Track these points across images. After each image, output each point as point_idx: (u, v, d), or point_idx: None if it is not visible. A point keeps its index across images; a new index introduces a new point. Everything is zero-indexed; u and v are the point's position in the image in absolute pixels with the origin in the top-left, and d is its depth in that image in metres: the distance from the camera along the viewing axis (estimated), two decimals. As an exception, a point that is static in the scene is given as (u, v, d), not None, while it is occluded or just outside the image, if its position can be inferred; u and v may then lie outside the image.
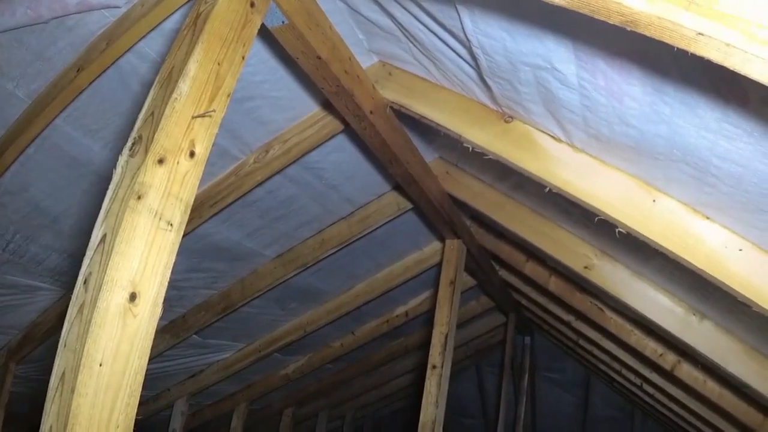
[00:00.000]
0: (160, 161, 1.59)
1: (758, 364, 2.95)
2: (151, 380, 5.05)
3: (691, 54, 1.12)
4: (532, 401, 9.37)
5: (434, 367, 3.75)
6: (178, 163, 1.62)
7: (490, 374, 9.49)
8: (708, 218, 2.00)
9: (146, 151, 1.58)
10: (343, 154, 3.25)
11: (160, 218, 1.57)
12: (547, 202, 3.01)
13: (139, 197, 1.54)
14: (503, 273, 5.23)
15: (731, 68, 1.08)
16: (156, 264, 1.56)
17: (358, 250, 4.15)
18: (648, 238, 2.07)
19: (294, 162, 3.07)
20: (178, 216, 1.61)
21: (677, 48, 1.12)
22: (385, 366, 7.30)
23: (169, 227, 1.59)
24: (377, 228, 3.85)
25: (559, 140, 2.22)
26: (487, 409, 9.73)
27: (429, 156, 3.48)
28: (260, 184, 3.14)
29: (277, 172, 3.11)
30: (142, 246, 1.52)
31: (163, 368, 4.96)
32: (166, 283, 1.59)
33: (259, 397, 6.25)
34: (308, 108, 2.87)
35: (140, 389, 1.49)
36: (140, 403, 4.55)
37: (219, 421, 6.29)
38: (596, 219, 2.17)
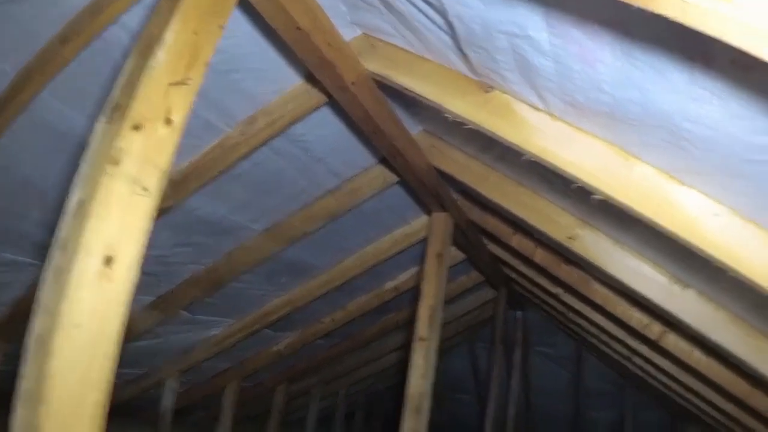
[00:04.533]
0: (137, 128, 1.61)
1: (743, 332, 2.98)
2: (140, 358, 5.09)
3: (653, 13, 1.13)
4: (525, 376, 9.42)
5: (421, 339, 3.78)
6: (154, 129, 1.64)
7: (483, 350, 9.55)
8: (684, 184, 2.02)
9: (123, 117, 1.60)
10: (328, 127, 3.26)
11: (136, 184, 1.58)
12: (530, 173, 3.02)
13: (115, 163, 1.55)
14: (492, 247, 5.25)
15: (690, 26, 1.10)
16: (132, 229, 1.58)
17: (346, 225, 4.17)
18: (625, 205, 2.10)
19: (279, 134, 3.09)
20: (155, 182, 1.63)
21: (637, 6, 1.13)
22: (377, 341, 7.33)
23: (146, 193, 1.60)
24: (364, 202, 3.86)
25: (537, 109, 2.23)
26: (480, 384, 9.80)
27: (414, 129, 3.49)
28: (246, 156, 3.15)
29: (263, 145, 3.12)
30: (118, 211, 1.54)
31: (153, 345, 4.97)
32: (143, 249, 1.61)
33: (251, 374, 6.26)
34: (292, 80, 2.88)
35: (117, 352, 1.51)
36: (130, 381, 4.61)
37: (211, 399, 6.32)
38: (573, 186, 2.19)
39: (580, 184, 2.16)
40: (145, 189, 1.60)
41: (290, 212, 3.90)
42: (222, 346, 5.28)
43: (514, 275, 6.01)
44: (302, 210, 3.88)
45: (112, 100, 1.66)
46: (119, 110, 1.62)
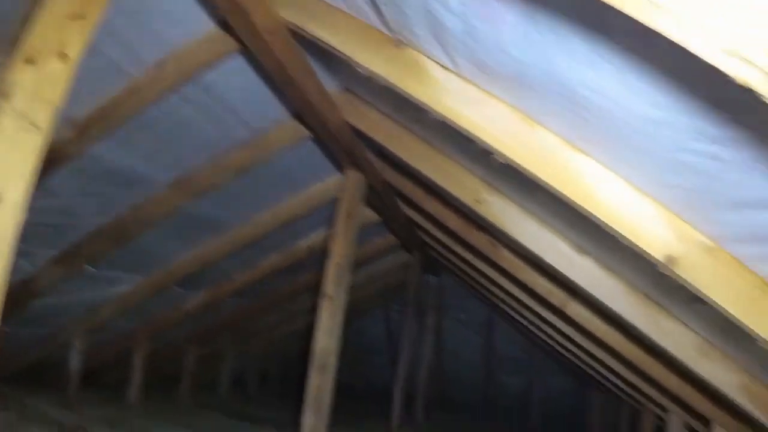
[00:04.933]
0: (29, 61, 1.55)
1: (639, 301, 3.07)
2: (44, 317, 4.95)
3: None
4: (438, 341, 9.56)
5: (328, 297, 3.78)
6: (47, 64, 1.58)
7: (399, 314, 9.64)
8: (582, 152, 2.05)
9: (15, 49, 1.54)
10: (241, 77, 3.20)
11: (25, 119, 1.53)
12: (442, 135, 3.03)
13: (5, 97, 1.50)
14: (407, 210, 5.27)
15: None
16: (21, 166, 1.53)
17: (258, 180, 4.13)
18: (525, 170, 2.12)
19: (190, 81, 3.02)
20: (45, 118, 1.58)
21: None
22: (292, 302, 7.30)
23: (35, 129, 1.55)
24: (277, 156, 3.83)
25: (446, 68, 2.23)
26: (394, 348, 9.90)
27: (332, 85, 3.46)
28: (154, 103, 3.08)
29: (172, 92, 3.06)
30: (5, 147, 1.49)
31: (57, 303, 4.83)
32: (32, 187, 1.56)
33: (161, 334, 6.16)
34: (205, 26, 2.81)
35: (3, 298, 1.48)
36: (35, 342, 4.47)
37: (120, 360, 6.20)
38: (478, 148, 2.21)
39: (484, 146, 2.18)
40: (34, 125, 1.55)
41: (200, 164, 3.82)
42: (129, 304, 5.17)
43: (428, 240, 6.06)
44: (212, 162, 3.81)
45: (6, 33, 1.60)
46: (12, 42, 1.56)
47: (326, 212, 4.73)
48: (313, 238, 5.43)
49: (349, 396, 8.70)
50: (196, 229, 4.64)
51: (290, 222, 4.76)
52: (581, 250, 3.05)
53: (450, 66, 2.21)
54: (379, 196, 4.54)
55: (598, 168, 2.03)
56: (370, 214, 5.14)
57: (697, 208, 1.93)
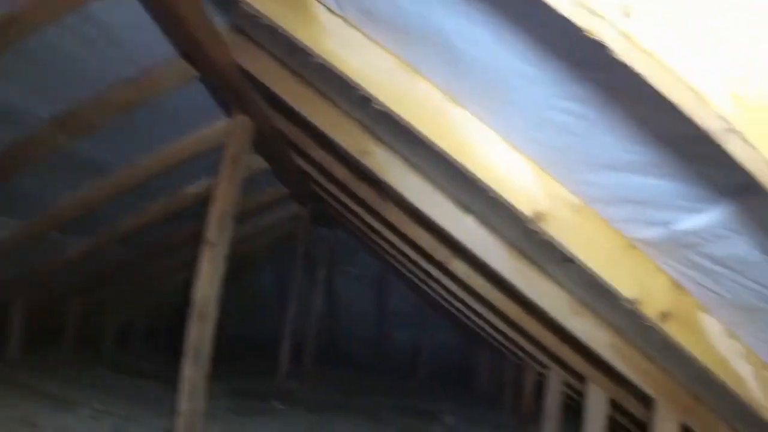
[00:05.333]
0: None
1: (516, 259, 3.13)
2: None
3: None
4: (330, 295, 9.59)
5: (210, 244, 3.71)
6: None
7: (291, 267, 9.62)
8: (459, 105, 2.04)
9: None
10: (128, 10, 3.04)
11: None
12: (331, 83, 2.98)
13: None
14: (298, 160, 5.21)
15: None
16: None
17: (144, 120, 3.97)
18: (405, 120, 2.10)
19: (73, 11, 2.87)
20: None
21: None
22: (180, 252, 7.11)
23: None
24: (165, 97, 3.70)
25: (332, 12, 2.18)
26: (285, 301, 9.88)
27: (222, 24, 3.34)
28: (35, 32, 2.92)
29: (55, 21, 2.90)
30: None
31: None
32: None
33: (41, 284, 5.89)
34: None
35: None
36: None
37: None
38: (358, 94, 2.18)
39: (364, 94, 2.15)
40: None
41: (83, 100, 3.65)
42: (5, 252, 4.92)
43: (319, 191, 6.02)
44: (96, 98, 3.65)
45: None
46: None
47: (216, 158, 4.62)
48: (202, 184, 5.29)
49: (241, 349, 8.68)
50: (78, 170, 4.43)
51: (177, 166, 4.62)
52: (464, 207, 3.07)
53: (336, 10, 2.17)
54: (268, 144, 4.46)
55: (474, 121, 2.03)
56: (259, 162, 5.05)
57: (565, 167, 1.96)
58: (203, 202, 5.00)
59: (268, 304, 9.96)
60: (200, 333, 3.65)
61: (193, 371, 3.58)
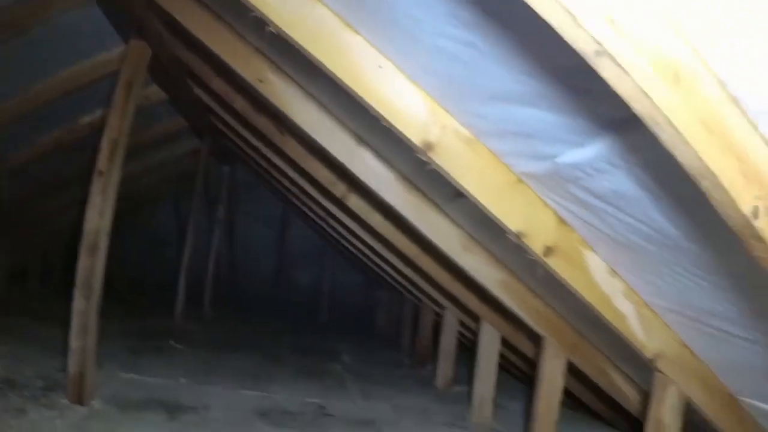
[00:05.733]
0: None
1: (410, 195, 3.13)
2: None
3: None
4: (230, 233, 9.49)
5: (100, 173, 3.57)
6: None
7: (190, 204, 9.45)
8: (357, 33, 2.01)
9: None
10: None
11: None
12: (228, 5, 2.88)
13: None
14: (197, 91, 5.07)
15: None
16: None
17: (37, 44, 3.77)
18: (301, 46, 2.05)
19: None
20: None
21: None
22: (77, 187, 6.81)
23: None
24: (59, 18, 3.52)
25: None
26: (185, 240, 9.73)
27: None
28: None
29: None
30: None
31: None
32: None
33: None
34: None
35: None
36: None
37: None
38: (251, 15, 2.11)
39: (257, 14, 2.08)
40: None
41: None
42: None
43: (219, 125, 5.89)
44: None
45: None
46: None
47: (112, 87, 4.45)
48: (98, 114, 5.09)
49: (140, 289, 8.53)
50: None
51: (71, 95, 4.42)
52: (360, 140, 3.05)
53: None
54: (167, 73, 4.32)
55: (368, 49, 2.00)
56: (157, 93, 4.90)
57: (456, 98, 1.95)
58: (99, 134, 4.82)
59: (167, 244, 9.77)
60: (91, 266, 3.51)
61: (84, 306, 3.46)
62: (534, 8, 1.05)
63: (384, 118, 2.02)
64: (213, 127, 6.10)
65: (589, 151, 1.73)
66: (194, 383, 4.48)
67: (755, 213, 1.25)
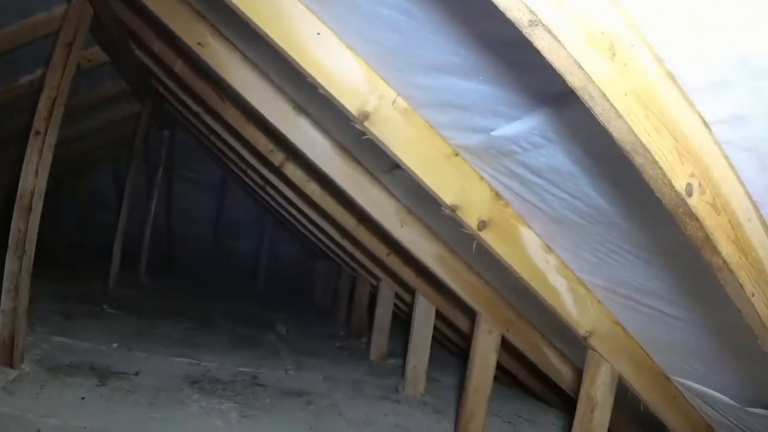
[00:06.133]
0: None
1: (348, 165, 3.11)
2: None
3: None
4: (169, 199, 9.33)
5: (37, 133, 3.46)
6: None
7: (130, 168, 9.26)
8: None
9: None
10: None
11: None
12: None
13: None
14: (139, 53, 4.94)
15: None
16: None
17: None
18: (238, 8, 2.00)
19: None
20: None
21: None
22: (17, 147, 6.60)
23: None
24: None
25: None
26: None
27: None
28: None
29: None
30: None
31: None
32: None
33: None
34: None
35: None
36: None
37: None
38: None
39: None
40: None
41: None
42: None
43: (160, 89, 5.77)
44: None
45: None
46: None
47: (53, 47, 4.31)
48: (38, 74, 4.92)
49: (78, 253, 8.35)
50: None
51: (12, 53, 4.27)
52: (298, 108, 3.01)
53: None
54: (109, 34, 4.20)
55: (308, 15, 1.96)
56: (99, 55, 4.76)
57: (394, 67, 1.94)
58: (38, 94, 4.67)
59: (107, 208, 9.56)
60: (25, 228, 3.42)
61: (16, 266, 3.38)
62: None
63: (322, 86, 1.99)
64: (154, 90, 5.98)
65: (524, 125, 1.73)
66: (126, 349, 4.42)
67: (689, 191, 1.26)
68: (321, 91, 2.02)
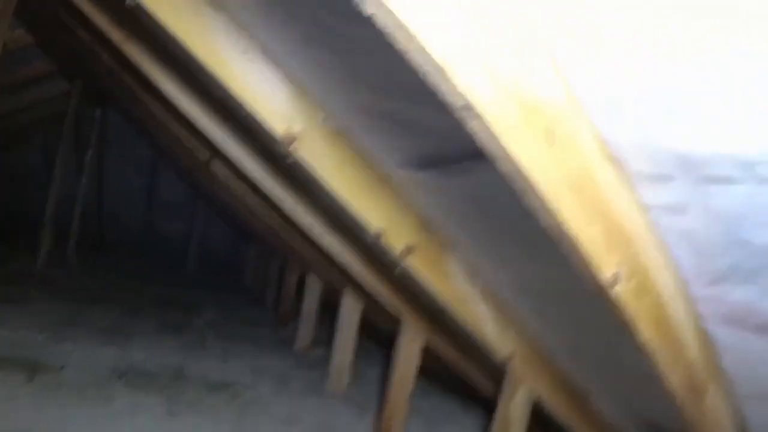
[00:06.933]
0: None
1: (275, 176, 3.15)
2: None
3: None
4: (99, 178, 9.18)
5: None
6: None
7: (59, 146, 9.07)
8: (217, 10, 1.95)
9: None
10: None
11: None
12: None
13: None
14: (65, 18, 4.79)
15: None
16: None
17: None
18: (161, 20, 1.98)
19: None
20: None
21: None
22: None
23: None
24: None
25: None
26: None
27: None
28: None
29: None
30: None
31: None
32: None
33: None
34: None
35: None
36: None
37: None
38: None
39: None
40: None
41: None
42: None
43: (89, 65, 5.61)
44: None
45: None
46: None
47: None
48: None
49: (7, 232, 8.17)
50: None
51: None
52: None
53: None
54: (34, 13, 4.12)
55: (234, 31, 1.94)
56: (26, 36, 4.68)
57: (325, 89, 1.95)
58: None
59: (35, 187, 9.35)
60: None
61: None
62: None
63: (246, 108, 2.00)
64: (83, 68, 5.84)
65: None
66: (53, 339, 4.38)
67: (615, 280, 1.30)
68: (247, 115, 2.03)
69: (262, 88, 1.97)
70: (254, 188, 3.76)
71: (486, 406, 4.12)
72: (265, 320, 6.83)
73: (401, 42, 1.01)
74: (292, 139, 2.03)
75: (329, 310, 5.18)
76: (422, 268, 2.36)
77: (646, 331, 1.44)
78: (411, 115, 1.72)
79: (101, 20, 3.09)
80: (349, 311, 4.48)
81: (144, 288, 7.38)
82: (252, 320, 6.77)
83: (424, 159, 1.94)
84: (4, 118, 6.32)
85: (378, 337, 5.90)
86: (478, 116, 1.05)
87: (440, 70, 1.01)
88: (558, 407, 2.80)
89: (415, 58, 1.03)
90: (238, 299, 7.99)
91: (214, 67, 1.94)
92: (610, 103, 1.13)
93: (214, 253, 9.95)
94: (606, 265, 1.28)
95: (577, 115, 1.14)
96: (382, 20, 1.00)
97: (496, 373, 2.90)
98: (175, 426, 3.42)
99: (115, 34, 3.06)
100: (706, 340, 1.60)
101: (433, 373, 4.55)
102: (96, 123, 7.64)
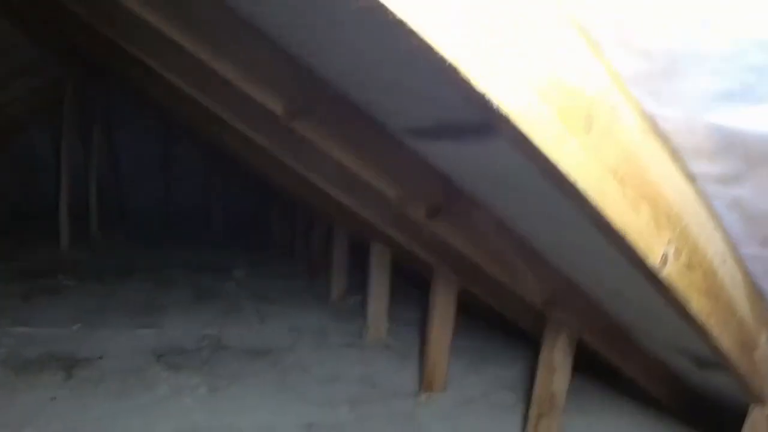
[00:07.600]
0: None
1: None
2: None
3: None
4: (112, 154, 9.11)
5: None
6: None
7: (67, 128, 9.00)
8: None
9: None
10: None
11: None
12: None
13: None
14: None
15: None
16: None
17: None
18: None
19: None
20: None
21: None
22: None
23: None
24: None
25: None
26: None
27: None
28: None
29: None
30: None
31: None
32: None
33: None
34: None
35: None
36: None
37: None
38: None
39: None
40: None
41: None
42: None
43: (83, 43, 5.49)
44: None
45: None
46: None
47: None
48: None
49: (21, 218, 8.17)
50: None
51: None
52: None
53: None
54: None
55: None
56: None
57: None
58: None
59: (45, 170, 9.30)
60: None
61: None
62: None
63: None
64: (78, 49, 5.72)
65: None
66: (88, 328, 4.40)
67: (664, 261, 1.23)
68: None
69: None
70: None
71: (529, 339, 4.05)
72: (296, 273, 6.80)
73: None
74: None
75: (359, 253, 5.12)
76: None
77: (697, 302, 1.38)
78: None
79: None
80: (379, 259, 4.41)
81: (172, 256, 7.34)
82: (283, 274, 6.75)
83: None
84: (6, 105, 6.22)
85: (412, 277, 5.86)
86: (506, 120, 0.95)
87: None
88: (600, 345, 2.75)
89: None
90: (266, 255, 7.92)
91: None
92: (658, 78, 1.04)
93: (237, 212, 9.85)
94: (655, 248, 1.21)
95: (618, 93, 1.05)
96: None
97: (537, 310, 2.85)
98: (220, 402, 3.42)
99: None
100: (756, 295, 1.54)
101: (473, 309, 4.50)
102: (100, 100, 7.54)
